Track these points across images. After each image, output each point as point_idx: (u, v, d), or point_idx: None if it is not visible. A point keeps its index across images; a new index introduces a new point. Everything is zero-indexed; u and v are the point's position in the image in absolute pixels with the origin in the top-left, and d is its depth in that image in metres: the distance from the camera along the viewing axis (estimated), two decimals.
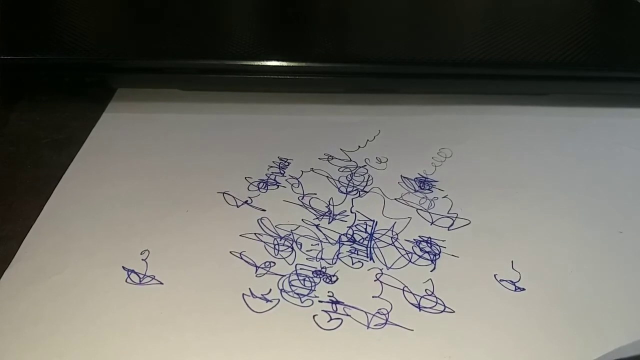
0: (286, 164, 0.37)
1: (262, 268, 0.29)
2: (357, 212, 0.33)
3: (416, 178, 0.36)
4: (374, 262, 0.30)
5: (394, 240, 0.31)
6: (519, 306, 0.28)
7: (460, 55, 0.41)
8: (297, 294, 0.28)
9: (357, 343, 0.26)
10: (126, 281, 0.28)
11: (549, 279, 0.29)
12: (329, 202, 0.34)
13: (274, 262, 0.30)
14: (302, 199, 0.34)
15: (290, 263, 0.30)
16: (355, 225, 0.32)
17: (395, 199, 0.34)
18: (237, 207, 0.33)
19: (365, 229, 0.32)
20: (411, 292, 0.28)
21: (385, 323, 0.27)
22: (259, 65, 0.39)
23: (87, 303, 0.27)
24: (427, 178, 0.36)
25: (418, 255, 0.31)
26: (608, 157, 0.39)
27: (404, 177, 0.36)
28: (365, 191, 0.35)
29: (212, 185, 0.34)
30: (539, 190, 0.35)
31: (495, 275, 0.30)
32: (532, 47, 0.43)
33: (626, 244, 0.32)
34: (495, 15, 0.50)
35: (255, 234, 0.31)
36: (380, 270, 0.30)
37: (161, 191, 0.34)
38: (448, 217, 0.33)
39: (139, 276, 0.28)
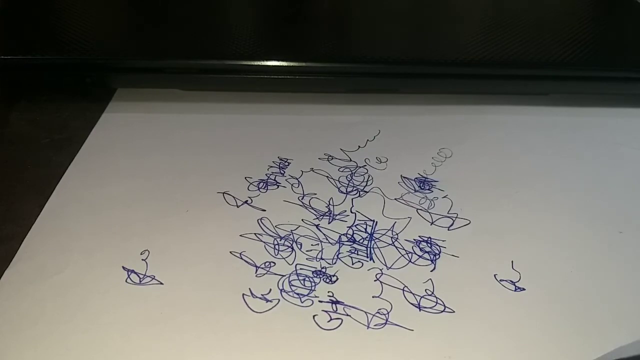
0: (286, 164, 0.37)
1: (262, 268, 0.29)
2: (357, 212, 0.33)
3: (416, 178, 0.36)
4: (374, 262, 0.30)
5: (394, 240, 0.31)
6: (519, 306, 0.28)
7: (460, 55, 0.41)
8: (297, 294, 0.28)
9: (357, 343, 0.26)
10: (126, 281, 0.28)
11: (549, 279, 0.29)
12: (329, 202, 0.34)
13: (274, 262, 0.30)
14: (302, 199, 0.34)
15: (290, 263, 0.30)
16: (355, 225, 0.32)
17: (395, 199, 0.34)
18: (237, 207, 0.33)
19: (365, 229, 0.32)
20: (411, 292, 0.28)
21: (385, 323, 0.27)
22: (259, 65, 0.39)
23: (87, 303, 0.27)
24: (427, 178, 0.36)
25: (418, 255, 0.31)
26: (608, 157, 0.39)
27: (404, 177, 0.36)
28: (365, 191, 0.35)
29: (212, 185, 0.34)
30: (539, 190, 0.35)
31: (495, 275, 0.30)
32: (532, 47, 0.43)
33: (626, 244, 0.32)
34: (495, 16, 0.50)
35: (255, 234, 0.31)
36: (380, 270, 0.30)
37: (161, 191, 0.34)
38: (448, 217, 0.33)
39: (139, 276, 0.28)
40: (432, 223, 0.33)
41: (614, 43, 0.46)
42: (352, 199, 0.34)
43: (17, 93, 0.42)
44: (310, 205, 0.33)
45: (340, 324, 0.27)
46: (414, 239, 0.32)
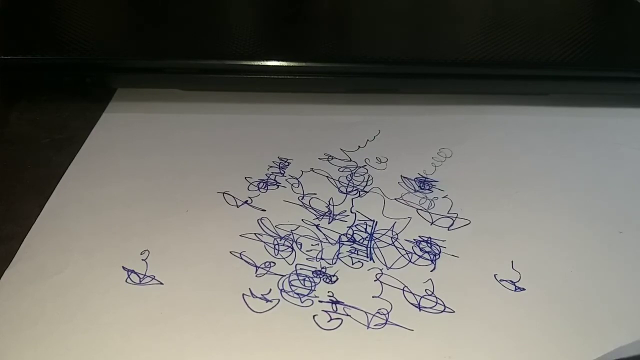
0: (286, 164, 0.37)
1: (262, 268, 0.29)
2: (357, 212, 0.33)
3: (416, 178, 0.36)
4: (374, 262, 0.30)
5: (394, 240, 0.31)
6: (519, 306, 0.28)
7: (460, 55, 0.41)
8: (297, 294, 0.28)
9: (357, 343, 0.26)
10: (126, 281, 0.28)
11: (549, 279, 0.29)
12: (329, 202, 0.34)
13: (274, 262, 0.30)
14: (302, 199, 0.34)
15: (290, 263, 0.30)
16: (355, 225, 0.32)
17: (395, 199, 0.34)
18: (237, 207, 0.33)
19: (365, 229, 0.32)
20: (411, 292, 0.28)
21: (385, 323, 0.27)
22: (259, 65, 0.39)
23: (87, 303, 0.27)
24: (427, 178, 0.36)
25: (418, 255, 0.31)
26: (608, 157, 0.39)
27: (404, 177, 0.36)
28: (365, 191, 0.35)
29: (212, 185, 0.34)
30: (539, 190, 0.35)
31: (495, 275, 0.30)
32: (532, 47, 0.43)
33: (626, 244, 0.32)
34: (496, 16, 0.50)
35: (255, 234, 0.31)
36: (380, 270, 0.30)
37: (161, 191, 0.34)
38: (448, 217, 0.33)
39: (139, 276, 0.28)
40: (432, 223, 0.33)
41: (614, 43, 0.46)
42: (352, 199, 0.34)
43: (17, 93, 0.42)
44: (310, 205, 0.33)
45: (340, 324, 0.27)
46: (414, 239, 0.32)
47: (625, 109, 0.44)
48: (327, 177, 0.36)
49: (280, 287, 0.28)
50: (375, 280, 0.29)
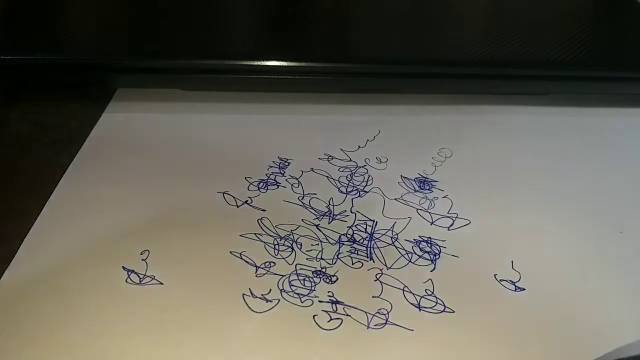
0: (286, 164, 0.37)
1: (262, 268, 0.29)
2: (357, 212, 0.33)
3: (416, 178, 0.36)
4: (374, 262, 0.30)
5: (394, 240, 0.31)
6: (519, 306, 0.28)
7: (460, 55, 0.41)
8: (297, 294, 0.28)
9: (357, 343, 0.26)
10: (126, 281, 0.28)
11: (549, 279, 0.29)
12: (329, 202, 0.34)
13: (274, 262, 0.30)
14: (302, 199, 0.34)
15: (290, 263, 0.30)
16: (355, 225, 0.32)
17: (395, 199, 0.34)
18: (237, 207, 0.33)
19: (365, 229, 0.32)
20: (411, 292, 0.28)
21: (385, 323, 0.27)
22: (259, 65, 0.39)
23: (87, 303, 0.27)
24: (427, 178, 0.36)
25: (418, 255, 0.31)
26: (608, 157, 0.39)
27: (404, 177, 0.36)
28: (365, 191, 0.35)
29: (212, 185, 0.34)
30: (539, 190, 0.35)
31: (495, 275, 0.30)
32: (532, 47, 0.43)
33: (626, 244, 0.32)
34: (495, 15, 0.50)
35: (255, 234, 0.31)
36: (380, 270, 0.30)
37: (161, 191, 0.34)
38: (448, 217, 0.33)
39: (139, 276, 0.28)
40: (432, 223, 0.33)
41: (614, 43, 0.46)
42: (352, 199, 0.34)
43: (17, 93, 0.42)
44: (310, 205, 0.33)
45: (340, 324, 0.27)
46: (414, 239, 0.32)
47: (625, 109, 0.44)
48: (327, 177, 0.36)
49: (280, 287, 0.28)
50: (375, 280, 0.29)
